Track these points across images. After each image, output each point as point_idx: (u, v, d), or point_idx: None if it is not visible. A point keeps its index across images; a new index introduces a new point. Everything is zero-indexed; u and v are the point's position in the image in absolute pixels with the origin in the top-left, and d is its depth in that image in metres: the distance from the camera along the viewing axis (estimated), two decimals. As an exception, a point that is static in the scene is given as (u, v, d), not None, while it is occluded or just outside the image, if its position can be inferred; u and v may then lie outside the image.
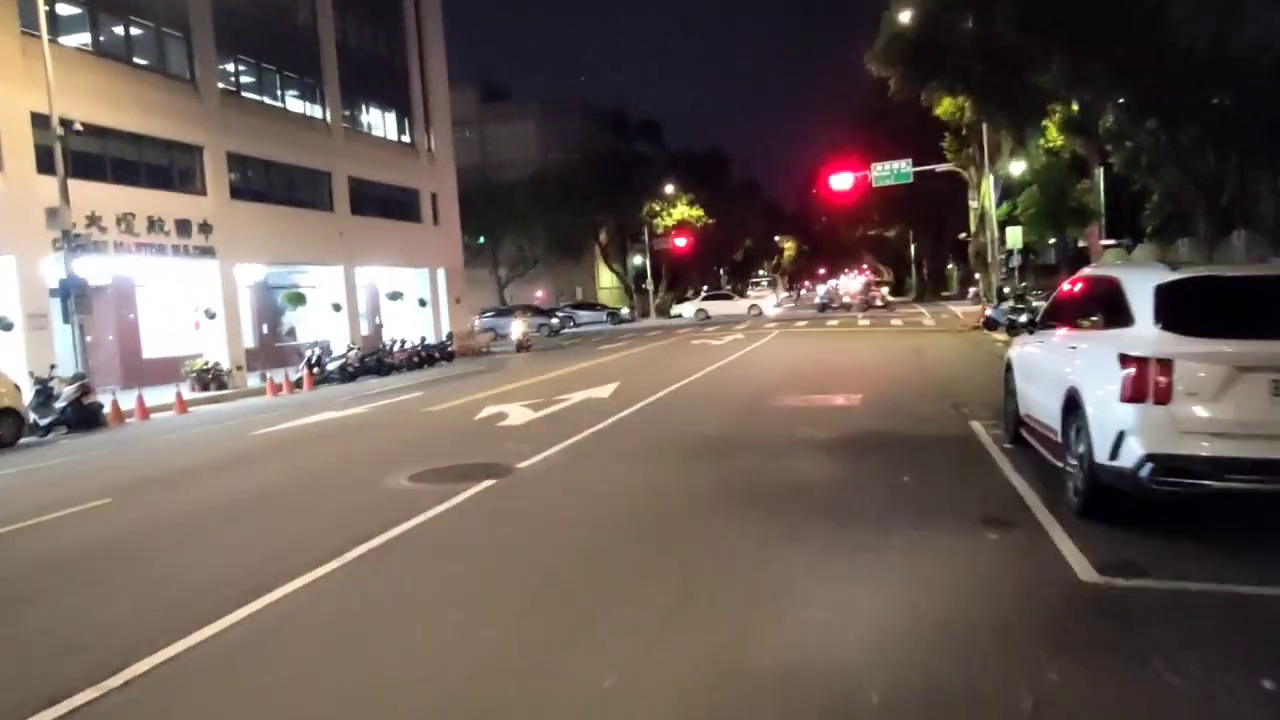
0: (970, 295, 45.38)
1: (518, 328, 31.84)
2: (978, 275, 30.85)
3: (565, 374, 19.82)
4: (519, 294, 62.40)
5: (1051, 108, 20.38)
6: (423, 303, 33.75)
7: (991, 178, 27.70)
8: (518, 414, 12.70)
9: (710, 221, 66.86)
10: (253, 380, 22.22)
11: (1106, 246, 30.58)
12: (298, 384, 21.62)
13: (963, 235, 31.82)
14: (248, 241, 24.08)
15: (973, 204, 29.98)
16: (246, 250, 24.24)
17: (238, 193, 24.03)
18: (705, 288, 71.78)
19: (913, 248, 71.37)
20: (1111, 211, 27.92)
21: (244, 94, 25.33)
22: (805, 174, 72.89)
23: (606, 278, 66.00)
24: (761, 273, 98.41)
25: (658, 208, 64.31)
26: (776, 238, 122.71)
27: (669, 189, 63.09)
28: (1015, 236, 29.57)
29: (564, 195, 58.02)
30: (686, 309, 54.08)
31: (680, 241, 62.50)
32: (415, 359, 25.71)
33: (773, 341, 26.31)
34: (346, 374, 24.36)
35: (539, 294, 62.25)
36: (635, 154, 67.28)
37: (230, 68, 24.84)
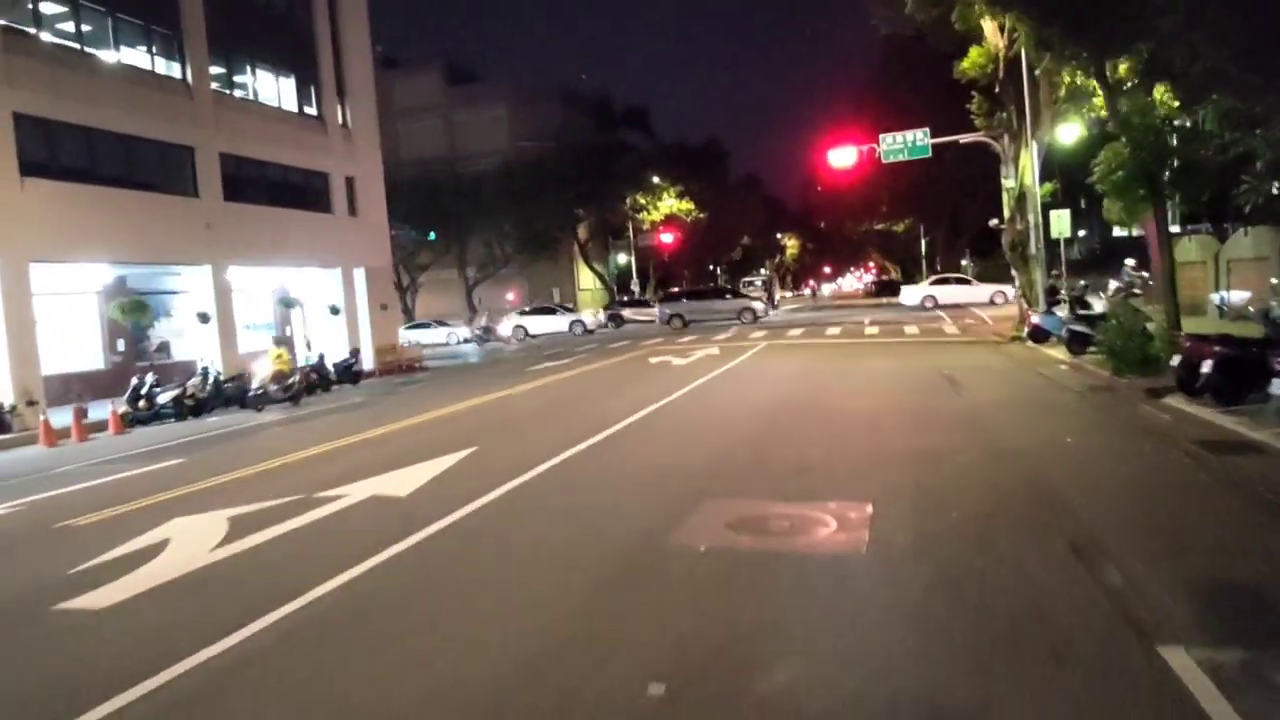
0: (995, 295, 39.19)
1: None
2: (1014, 271, 24.69)
3: (425, 421, 13.82)
4: (490, 296, 56.50)
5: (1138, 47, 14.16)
6: (335, 310, 27.68)
7: (1034, 147, 21.55)
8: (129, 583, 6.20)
9: (702, 216, 60.73)
10: (65, 417, 16.16)
11: (1184, 232, 24.35)
12: (129, 422, 15.68)
13: (993, 222, 25.53)
14: (54, 234, 18.07)
15: (1007, 183, 23.75)
16: (54, 244, 18.24)
17: (36, 169, 17.99)
18: (680, 286, 66.01)
19: (924, 243, 65.08)
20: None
21: (51, 40, 19.29)
22: (808, 167, 66.76)
23: (588, 278, 59.91)
24: (763, 271, 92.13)
25: (643, 200, 58.22)
26: (779, 235, 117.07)
27: (655, 179, 56.79)
28: (1062, 222, 23.43)
29: (537, 187, 52.04)
30: (659, 312, 47.91)
31: (667, 237, 56.42)
32: (294, 386, 19.56)
33: (752, 361, 20.27)
34: (186, 409, 18.35)
35: (510, 296, 56.22)
36: (620, 143, 61.10)
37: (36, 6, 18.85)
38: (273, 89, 26.06)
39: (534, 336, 43.08)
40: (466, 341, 43.33)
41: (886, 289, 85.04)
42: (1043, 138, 22.09)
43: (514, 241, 53.97)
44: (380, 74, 63.48)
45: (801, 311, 51.76)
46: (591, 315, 46.49)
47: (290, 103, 26.54)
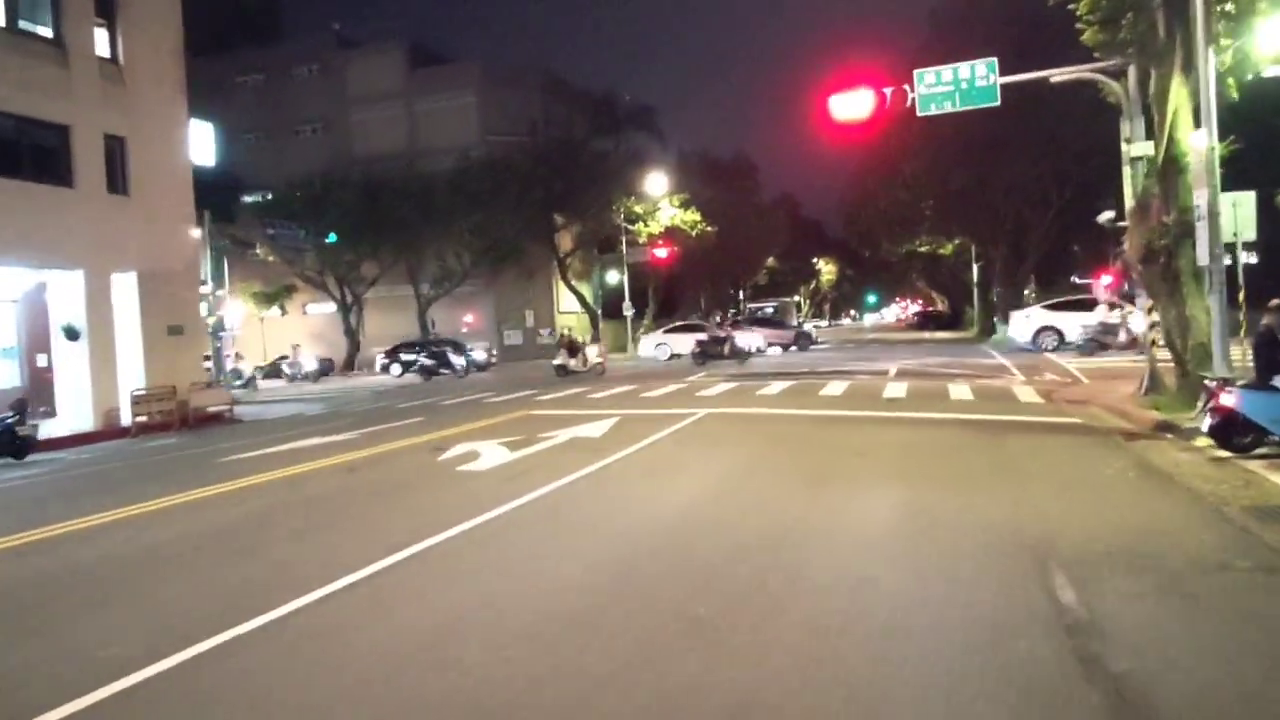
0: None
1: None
2: (1137, 298, 14.40)
3: None
4: (448, 317, 47.07)
5: None
6: (72, 334, 18.22)
7: (1204, 69, 11.23)
8: None
9: (709, 229, 50.61)
10: None
11: None
12: None
13: (1104, 217, 15.10)
14: None
15: (1134, 148, 13.49)
16: None
17: None
18: (683, 311, 55.99)
19: (975, 268, 54.23)
20: None
21: None
22: (850, 187, 56.28)
23: (572, 298, 50.11)
24: (791, 298, 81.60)
25: (638, 209, 48.44)
26: (815, 260, 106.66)
27: (657, 185, 46.85)
28: (1243, 213, 13.10)
29: (499, 187, 42.57)
30: (645, 344, 37.95)
31: (661, 252, 46.42)
32: None
33: (640, 461, 10.36)
34: None
35: (468, 319, 46.60)
36: (615, 144, 51.35)
37: None
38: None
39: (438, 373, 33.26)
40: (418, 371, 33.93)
41: (931, 321, 74.29)
42: (1213, 58, 11.75)
43: (473, 252, 44.51)
44: (335, 56, 55.32)
45: (818, 349, 41.41)
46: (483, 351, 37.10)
47: (-3, 13, 17.22)
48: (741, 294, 77.63)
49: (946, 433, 11.46)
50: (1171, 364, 13.42)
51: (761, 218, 65.13)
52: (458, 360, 34.41)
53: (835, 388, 17.81)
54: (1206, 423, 9.45)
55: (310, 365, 38.85)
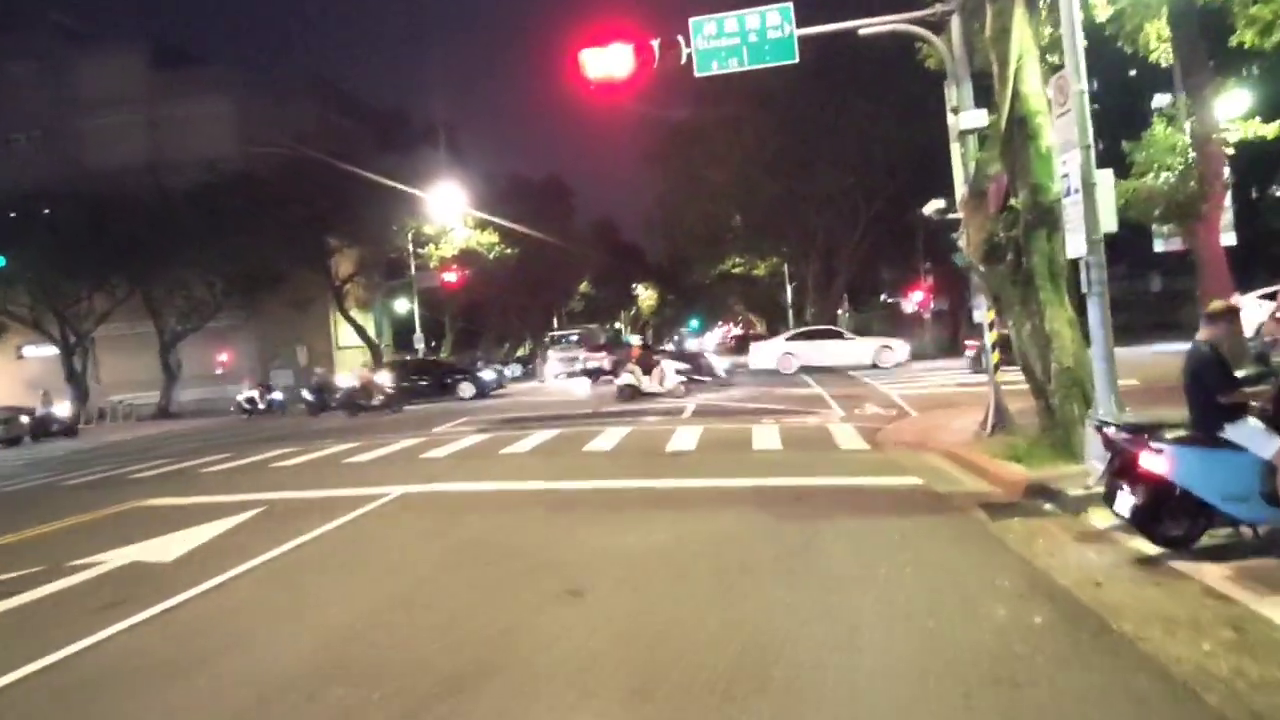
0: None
1: None
2: (975, 310, 11.04)
3: None
4: (199, 355, 40.03)
5: None
6: None
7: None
8: None
9: (510, 251, 46.09)
10: None
11: None
12: None
13: (933, 207, 11.76)
14: None
15: (962, 123, 10.03)
16: None
17: None
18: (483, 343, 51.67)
19: (789, 289, 52.64)
20: None
21: None
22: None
23: (353, 331, 44.04)
24: (595, 325, 78.40)
25: (428, 230, 43.30)
26: (636, 286, 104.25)
27: (450, 205, 41.81)
28: (1105, 196, 9.83)
29: (253, 206, 36.43)
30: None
31: (450, 276, 41.45)
32: None
33: (189, 627, 5.37)
34: None
35: (221, 358, 39.72)
36: (409, 162, 45.88)
37: None
38: None
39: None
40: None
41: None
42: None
43: (226, 280, 37.93)
44: (58, 51, 47.05)
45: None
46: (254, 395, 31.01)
47: None
48: (555, 321, 73.60)
49: (736, 519, 7.48)
50: (1025, 390, 10.12)
51: (575, 241, 61.52)
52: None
53: (609, 437, 13.69)
54: (1127, 502, 5.84)
55: (63, 413, 31.88)
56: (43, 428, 30.79)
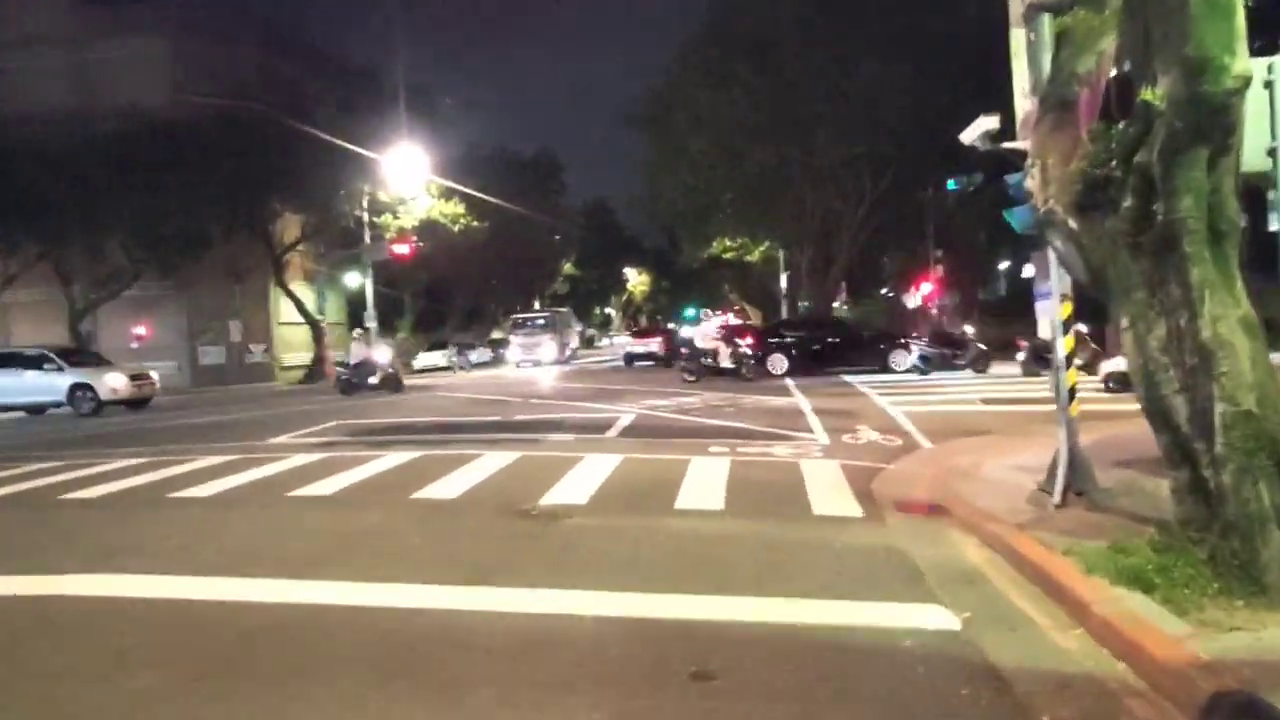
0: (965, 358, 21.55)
1: None
2: (1045, 298, 6.41)
3: None
4: (120, 327, 35.65)
5: None
6: None
7: None
8: None
9: (477, 224, 41.64)
10: None
11: None
12: None
13: (976, 132, 7.07)
14: None
15: None
16: None
17: None
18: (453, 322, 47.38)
19: (784, 277, 48.23)
20: None
21: None
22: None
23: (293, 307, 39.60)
24: (609, 310, 74.10)
25: (385, 197, 38.94)
26: (627, 270, 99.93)
27: (413, 171, 37.33)
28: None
29: (176, 160, 32.03)
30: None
31: (402, 248, 36.98)
32: None
33: None
34: None
35: (138, 331, 35.27)
36: (373, 121, 41.24)
37: None
38: None
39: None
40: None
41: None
42: None
43: (145, 244, 33.48)
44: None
45: (582, 363, 33.28)
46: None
47: None
48: (538, 303, 69.19)
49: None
50: (1108, 413, 5.78)
51: (563, 220, 57.19)
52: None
53: (474, 470, 9.33)
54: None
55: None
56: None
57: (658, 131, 32.41)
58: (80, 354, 26.55)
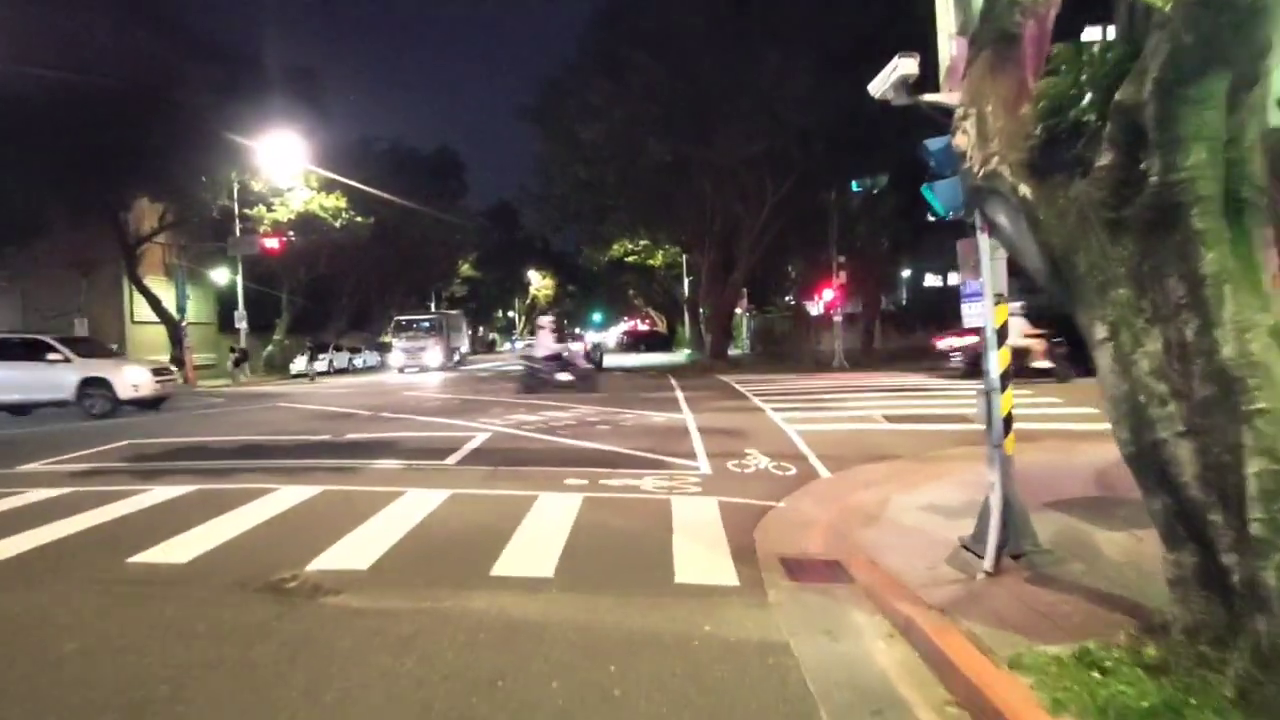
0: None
1: None
2: (974, 299, 4.65)
3: None
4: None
5: None
6: None
7: None
8: None
9: (360, 220, 38.78)
10: None
11: None
12: None
13: (890, 81, 5.36)
14: None
15: None
16: None
17: None
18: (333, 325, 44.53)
19: (687, 282, 46.88)
20: None
21: None
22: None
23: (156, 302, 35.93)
24: (512, 313, 71.48)
25: (258, 186, 35.89)
26: (531, 273, 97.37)
27: (289, 160, 34.39)
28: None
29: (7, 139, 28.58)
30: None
31: (271, 243, 34.01)
32: None
33: None
34: None
35: (-41, 329, 31.17)
36: (240, 105, 37.81)
37: None
38: None
39: None
40: None
41: (641, 343, 67.04)
42: None
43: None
44: None
45: (469, 370, 31.00)
46: None
47: None
48: (434, 305, 66.06)
49: None
50: (1089, 469, 4.34)
51: (462, 219, 54.44)
52: None
53: (248, 514, 7.21)
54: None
55: None
56: None
57: (551, 123, 30.46)
58: (85, 342, 22.25)
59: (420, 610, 4.77)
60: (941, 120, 5.39)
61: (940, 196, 5.46)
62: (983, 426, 5.43)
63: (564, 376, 20.17)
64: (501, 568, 5.57)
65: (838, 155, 25.42)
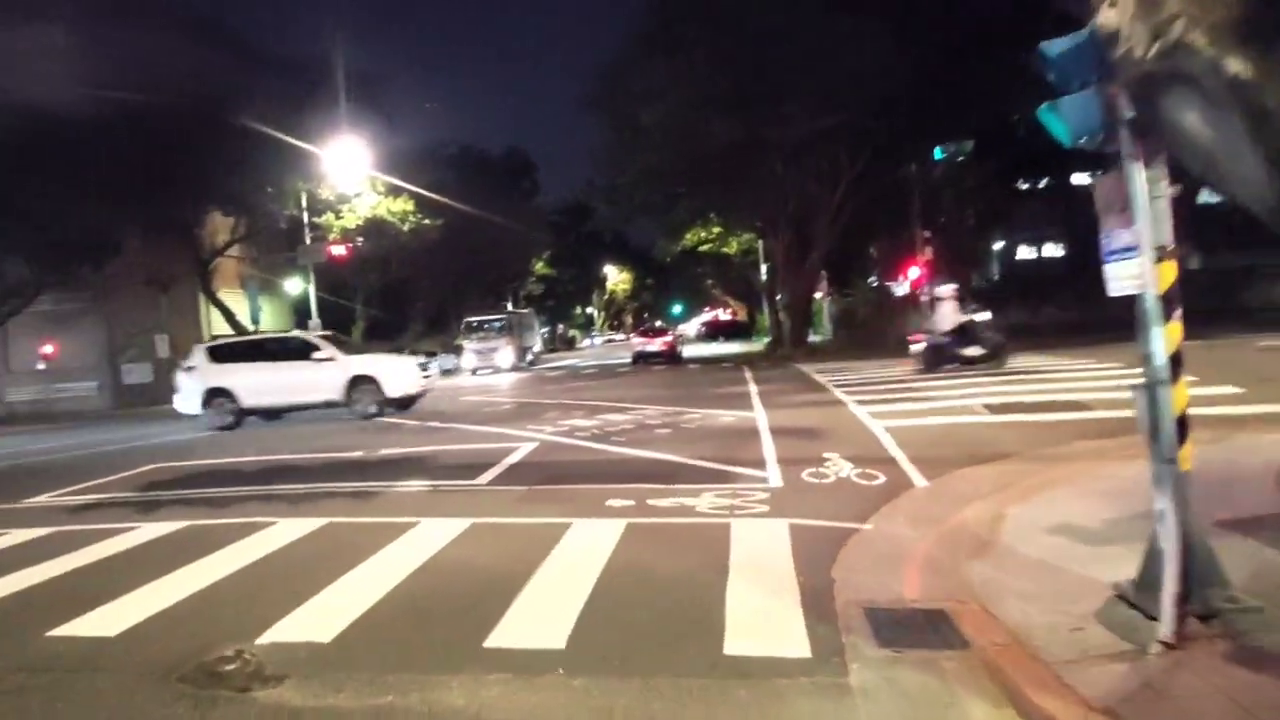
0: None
1: None
2: (1118, 257, 3.00)
3: None
4: (20, 348, 32.44)
5: None
6: None
7: None
8: None
9: (429, 222, 38.41)
10: None
11: None
12: None
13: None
14: None
15: None
16: None
17: None
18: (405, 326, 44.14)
19: (764, 268, 45.10)
20: None
21: None
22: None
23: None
24: (590, 310, 70.98)
25: (327, 194, 35.86)
26: (607, 268, 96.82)
27: (355, 166, 34.17)
28: None
29: (79, 163, 29.01)
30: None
31: (339, 249, 33.78)
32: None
33: None
34: None
35: (46, 350, 31.99)
36: (306, 117, 37.82)
37: None
38: None
39: None
40: None
41: (720, 332, 65.49)
42: None
43: (36, 252, 30.19)
44: None
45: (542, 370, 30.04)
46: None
47: None
48: (510, 304, 65.83)
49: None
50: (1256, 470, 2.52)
51: (532, 218, 54.01)
52: None
53: (224, 561, 6.11)
54: None
55: None
56: None
57: (612, 110, 29.22)
58: (341, 339, 21.58)
59: (376, 711, 3.54)
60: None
61: (1067, 117, 3.93)
62: (1144, 432, 3.90)
63: (973, 351, 17.34)
64: (500, 635, 4.30)
65: (920, 121, 23.41)
